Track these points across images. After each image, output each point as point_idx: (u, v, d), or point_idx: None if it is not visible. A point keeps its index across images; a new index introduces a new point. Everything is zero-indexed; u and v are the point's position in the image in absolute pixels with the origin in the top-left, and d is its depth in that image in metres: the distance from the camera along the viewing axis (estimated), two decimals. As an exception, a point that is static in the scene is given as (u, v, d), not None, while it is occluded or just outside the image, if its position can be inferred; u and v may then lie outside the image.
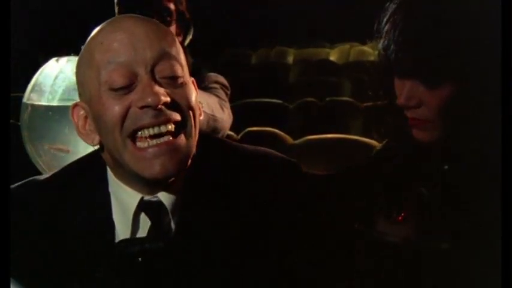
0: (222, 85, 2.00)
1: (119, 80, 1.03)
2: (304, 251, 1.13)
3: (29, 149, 1.95)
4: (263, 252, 1.11)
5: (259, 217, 1.12)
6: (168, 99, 1.03)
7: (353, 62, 7.55)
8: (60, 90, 1.89)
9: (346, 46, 8.62)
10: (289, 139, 3.50)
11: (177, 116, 1.04)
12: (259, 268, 1.11)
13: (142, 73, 1.03)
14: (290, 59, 8.35)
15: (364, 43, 8.48)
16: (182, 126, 1.06)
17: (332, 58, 8.20)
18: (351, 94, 5.49)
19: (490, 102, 1.08)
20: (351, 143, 3.02)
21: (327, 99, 4.93)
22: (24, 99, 1.95)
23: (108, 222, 1.12)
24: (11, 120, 1.85)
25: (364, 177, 1.28)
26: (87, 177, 1.15)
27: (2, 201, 1.02)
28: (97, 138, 1.10)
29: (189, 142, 1.07)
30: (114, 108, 1.03)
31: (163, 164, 1.04)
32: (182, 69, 1.07)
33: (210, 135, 1.24)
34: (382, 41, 1.16)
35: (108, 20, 1.11)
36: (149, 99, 1.01)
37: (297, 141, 3.38)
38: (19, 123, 1.99)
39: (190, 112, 1.07)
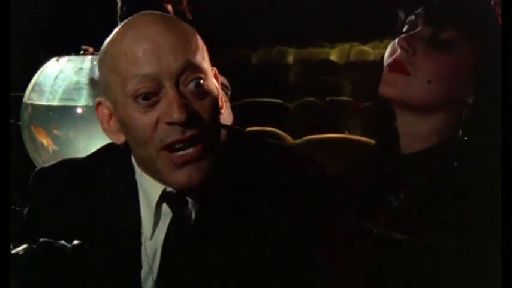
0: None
1: (146, 94, 1.04)
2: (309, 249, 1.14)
3: (29, 148, 1.95)
4: (276, 246, 1.12)
5: (277, 211, 1.12)
6: (193, 113, 1.05)
7: (353, 62, 7.55)
8: (60, 90, 1.89)
9: (346, 46, 8.62)
10: (289, 139, 3.50)
11: (202, 129, 1.06)
12: (274, 261, 1.11)
13: (168, 86, 1.04)
14: (290, 59, 8.34)
15: (364, 43, 8.50)
16: (206, 136, 1.08)
17: (332, 58, 8.20)
18: (351, 94, 5.49)
19: (491, 103, 1.09)
20: (351, 142, 3.02)
21: (327, 99, 4.93)
22: (25, 99, 1.95)
23: (134, 210, 1.15)
24: (11, 120, 1.85)
25: (356, 177, 1.28)
26: (117, 164, 1.19)
27: (2, 201, 1.02)
28: (123, 137, 1.12)
29: (213, 150, 1.09)
30: (144, 122, 1.05)
31: (189, 175, 1.07)
32: (206, 76, 1.08)
33: (232, 128, 1.25)
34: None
35: (131, 20, 1.10)
36: (175, 116, 1.03)
37: (297, 141, 3.38)
38: (19, 123, 1.99)
39: (214, 122, 1.10)
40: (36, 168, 1.27)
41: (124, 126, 1.10)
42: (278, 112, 4.74)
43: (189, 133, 1.05)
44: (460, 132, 1.12)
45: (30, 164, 1.96)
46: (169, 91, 1.04)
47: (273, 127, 3.70)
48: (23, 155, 1.95)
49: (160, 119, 1.05)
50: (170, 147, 1.06)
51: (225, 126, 1.20)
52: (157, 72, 1.04)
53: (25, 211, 1.25)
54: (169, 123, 1.04)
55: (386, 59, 1.18)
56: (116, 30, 1.10)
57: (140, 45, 1.05)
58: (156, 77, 1.04)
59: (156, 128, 1.05)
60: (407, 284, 1.10)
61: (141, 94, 1.04)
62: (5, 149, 1.05)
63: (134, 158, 1.16)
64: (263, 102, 4.88)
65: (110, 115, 1.12)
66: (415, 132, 1.17)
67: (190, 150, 1.06)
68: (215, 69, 1.15)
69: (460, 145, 1.12)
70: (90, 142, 1.81)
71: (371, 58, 8.07)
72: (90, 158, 1.25)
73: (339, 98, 5.14)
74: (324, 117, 4.62)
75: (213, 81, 1.13)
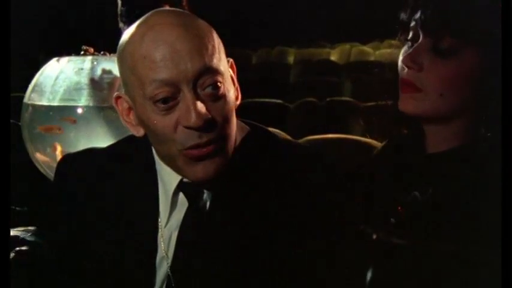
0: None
1: (164, 99, 1.07)
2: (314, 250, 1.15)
3: (30, 148, 1.96)
4: (287, 238, 1.14)
5: (289, 206, 1.15)
6: (210, 116, 1.07)
7: (353, 62, 7.55)
8: (61, 90, 1.89)
9: (347, 46, 8.63)
10: (289, 139, 3.50)
11: (219, 131, 1.09)
12: (284, 253, 1.14)
13: (186, 90, 1.06)
14: (290, 59, 8.35)
15: (364, 43, 8.50)
16: (222, 137, 1.11)
17: (332, 58, 8.20)
18: (351, 94, 5.49)
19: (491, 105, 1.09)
20: (351, 143, 3.02)
21: (327, 99, 4.92)
22: (25, 99, 1.96)
23: (153, 197, 1.19)
24: (12, 120, 1.85)
25: (363, 178, 1.28)
26: (139, 154, 1.22)
27: (3, 201, 1.02)
28: (142, 131, 1.15)
29: (228, 148, 1.13)
30: (163, 124, 1.08)
31: (205, 169, 1.10)
32: (223, 78, 1.10)
33: (252, 124, 1.28)
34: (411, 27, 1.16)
35: (149, 20, 1.10)
36: (192, 121, 1.06)
37: (297, 141, 3.37)
38: (19, 123, 1.99)
39: (230, 122, 1.12)
40: (63, 155, 1.33)
41: (143, 123, 1.13)
42: (278, 112, 4.73)
43: (206, 138, 1.08)
44: (488, 133, 1.12)
45: (30, 164, 1.97)
46: (187, 95, 1.06)
47: (273, 127, 3.67)
48: (22, 155, 1.95)
49: (179, 122, 1.08)
50: (189, 149, 1.09)
51: (245, 122, 1.24)
52: (175, 77, 1.06)
53: (51, 196, 1.29)
54: (187, 127, 1.07)
55: (399, 73, 1.18)
56: (134, 29, 1.11)
57: (158, 50, 1.06)
58: (174, 82, 1.06)
59: (176, 129, 1.08)
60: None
61: (160, 99, 1.07)
62: (5, 149, 1.05)
63: (154, 149, 1.19)
64: (263, 102, 4.87)
65: (129, 108, 1.15)
66: (436, 136, 1.18)
67: (205, 148, 1.09)
68: (231, 60, 1.17)
69: (485, 146, 1.12)
70: (90, 142, 1.82)
71: (371, 58, 8.08)
72: (114, 147, 1.29)
73: (339, 98, 5.12)
74: (324, 117, 4.61)
75: (229, 79, 1.15)
